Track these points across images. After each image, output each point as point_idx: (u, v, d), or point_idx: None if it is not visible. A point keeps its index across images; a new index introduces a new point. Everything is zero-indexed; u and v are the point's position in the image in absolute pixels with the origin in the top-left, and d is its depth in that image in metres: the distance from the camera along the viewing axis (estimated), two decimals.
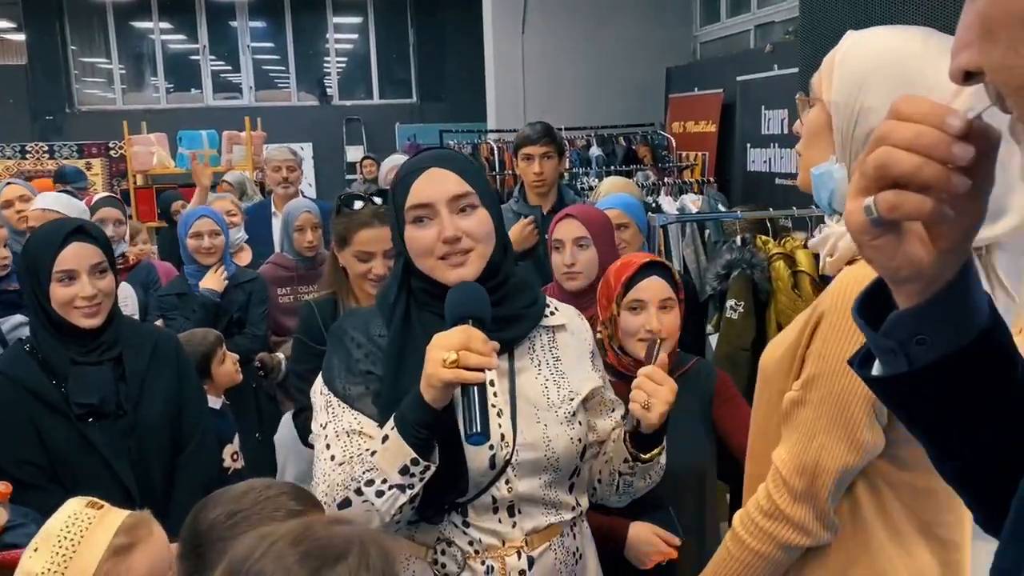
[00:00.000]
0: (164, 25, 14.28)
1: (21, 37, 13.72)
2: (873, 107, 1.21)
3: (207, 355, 2.79)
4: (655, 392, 1.53)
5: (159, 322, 3.54)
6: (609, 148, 6.65)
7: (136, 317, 3.39)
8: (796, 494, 1.27)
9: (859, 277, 1.21)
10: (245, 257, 4.25)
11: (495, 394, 1.52)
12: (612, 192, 3.34)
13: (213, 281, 3.52)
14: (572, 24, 8.29)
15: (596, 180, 5.99)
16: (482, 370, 1.33)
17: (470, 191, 1.50)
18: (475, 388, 1.33)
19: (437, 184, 1.49)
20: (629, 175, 5.91)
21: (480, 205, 1.51)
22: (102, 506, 1.38)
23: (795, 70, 4.84)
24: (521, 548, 1.50)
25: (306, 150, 13.10)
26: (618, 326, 1.96)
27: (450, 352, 1.32)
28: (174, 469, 2.08)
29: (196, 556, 1.28)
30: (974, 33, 0.54)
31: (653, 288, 1.93)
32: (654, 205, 4.34)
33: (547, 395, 1.55)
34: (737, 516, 1.38)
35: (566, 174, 6.37)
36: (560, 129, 7.49)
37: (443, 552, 1.49)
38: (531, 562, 1.50)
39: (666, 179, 5.90)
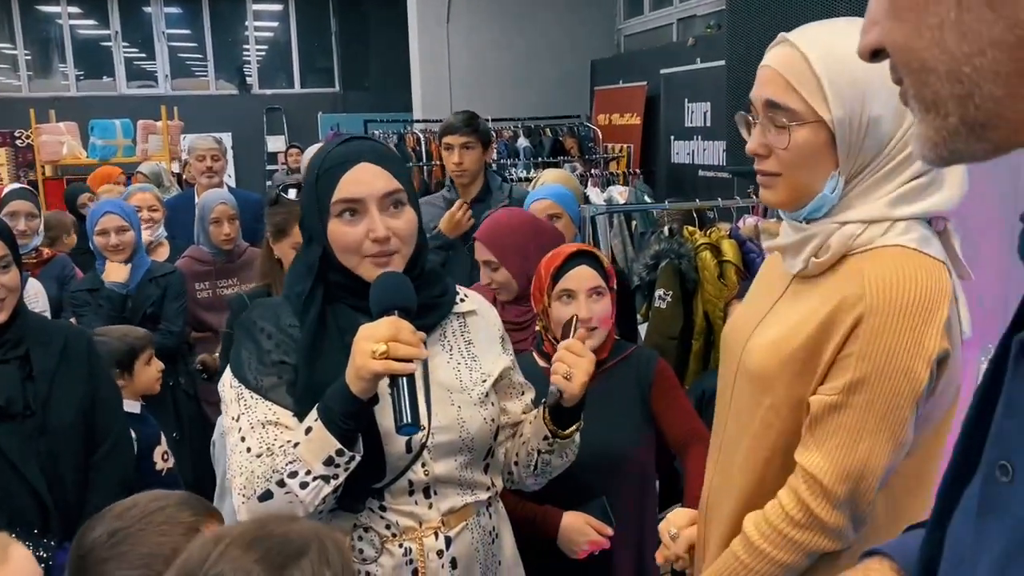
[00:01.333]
0: (73, 9, 13.72)
1: None
2: (881, 115, 1.20)
3: (133, 351, 2.67)
4: (576, 363, 1.55)
5: (72, 319, 3.40)
6: (536, 139, 6.65)
7: (47, 314, 3.23)
8: (838, 501, 1.23)
9: (900, 274, 1.18)
10: (163, 253, 4.11)
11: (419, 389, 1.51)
12: (549, 183, 3.34)
13: (116, 272, 3.38)
14: (497, 14, 8.27)
15: (524, 171, 5.99)
16: (411, 360, 1.33)
17: (400, 189, 1.50)
18: (404, 379, 1.33)
19: (369, 180, 1.47)
20: (557, 166, 5.92)
21: (407, 204, 1.51)
22: None
23: (719, 63, 4.91)
24: (438, 529, 1.51)
25: (225, 140, 12.76)
26: (551, 317, 1.94)
27: (380, 344, 1.31)
28: (88, 470, 1.99)
29: None
30: (882, 12, 0.54)
31: (582, 277, 1.92)
32: (584, 197, 4.36)
33: (460, 378, 1.56)
34: (753, 526, 1.30)
35: (494, 164, 6.35)
36: (487, 120, 7.51)
37: (360, 538, 1.49)
38: (448, 542, 1.52)
39: (593, 171, 5.93)
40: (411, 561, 1.49)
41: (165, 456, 2.60)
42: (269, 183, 11.47)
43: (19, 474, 1.84)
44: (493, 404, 1.59)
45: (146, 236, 3.96)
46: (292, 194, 2.47)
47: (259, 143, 13.50)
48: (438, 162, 6.58)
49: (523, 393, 1.71)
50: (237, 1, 14.07)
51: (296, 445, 1.38)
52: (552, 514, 1.95)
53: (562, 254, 1.96)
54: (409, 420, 1.32)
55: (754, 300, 1.47)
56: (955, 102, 0.52)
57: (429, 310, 1.56)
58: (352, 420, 1.36)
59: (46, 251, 3.81)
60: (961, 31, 0.50)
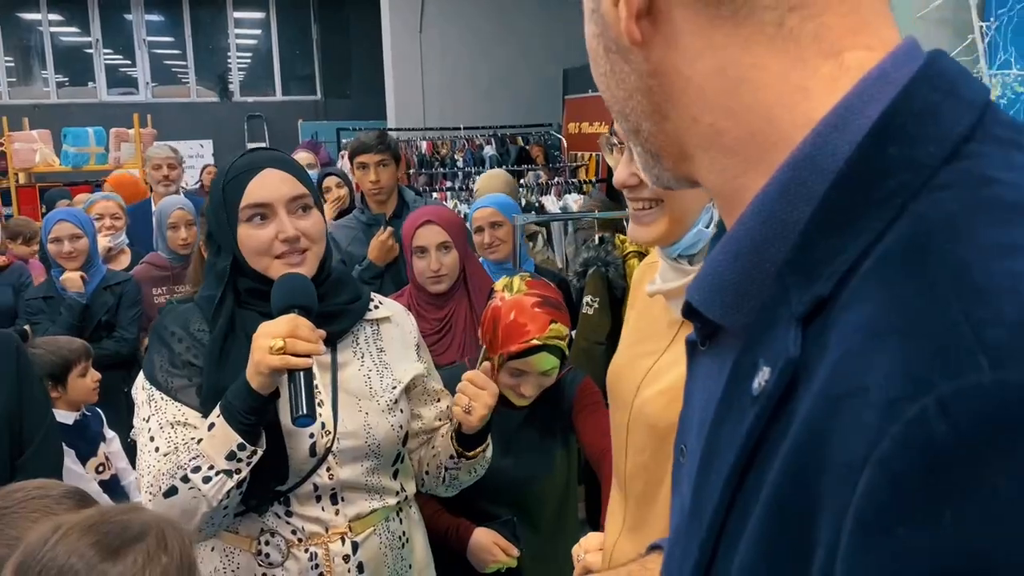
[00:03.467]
0: (54, 16, 13.74)
1: None
2: None
3: (66, 363, 2.69)
4: (476, 396, 1.60)
5: (26, 327, 3.43)
6: (504, 148, 6.71)
7: None
8: None
9: None
10: (124, 260, 4.14)
11: (316, 386, 1.55)
12: (488, 183, 3.38)
13: (71, 281, 3.42)
14: (471, 23, 8.33)
15: None
16: (309, 356, 1.39)
17: (306, 192, 1.55)
18: (301, 373, 1.38)
19: (275, 185, 1.52)
20: (520, 175, 5.98)
21: (314, 207, 1.57)
22: None
23: None
24: (345, 534, 1.54)
25: (206, 147, 12.79)
26: (497, 379, 1.93)
27: (277, 340, 1.37)
28: (13, 472, 2.02)
29: None
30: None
31: (538, 362, 1.86)
32: (538, 204, 4.41)
33: (369, 385, 1.59)
34: None
35: (460, 172, 6.40)
36: (459, 128, 7.58)
37: (267, 543, 1.52)
38: (355, 547, 1.54)
39: (556, 179, 6.00)
40: (317, 566, 1.52)
41: (100, 468, 2.64)
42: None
43: None
44: (402, 411, 1.62)
45: (108, 243, 4.01)
46: None
47: (240, 151, 13.35)
48: (412, 169, 6.64)
49: (438, 400, 1.74)
50: (219, 9, 14.12)
51: (200, 441, 1.42)
52: (464, 529, 1.99)
53: (526, 344, 1.81)
54: (304, 411, 1.36)
55: (639, 342, 1.39)
56: (633, 136, 0.59)
57: (338, 316, 1.60)
58: (253, 415, 1.40)
59: (1, 258, 3.84)
60: (616, 79, 0.57)
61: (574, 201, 4.59)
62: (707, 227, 1.20)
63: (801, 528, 0.42)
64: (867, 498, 0.38)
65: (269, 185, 1.52)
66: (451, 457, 1.66)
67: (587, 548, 1.61)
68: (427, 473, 1.73)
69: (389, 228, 2.97)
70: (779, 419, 0.46)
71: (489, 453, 1.71)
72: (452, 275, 2.32)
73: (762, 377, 0.47)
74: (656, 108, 0.56)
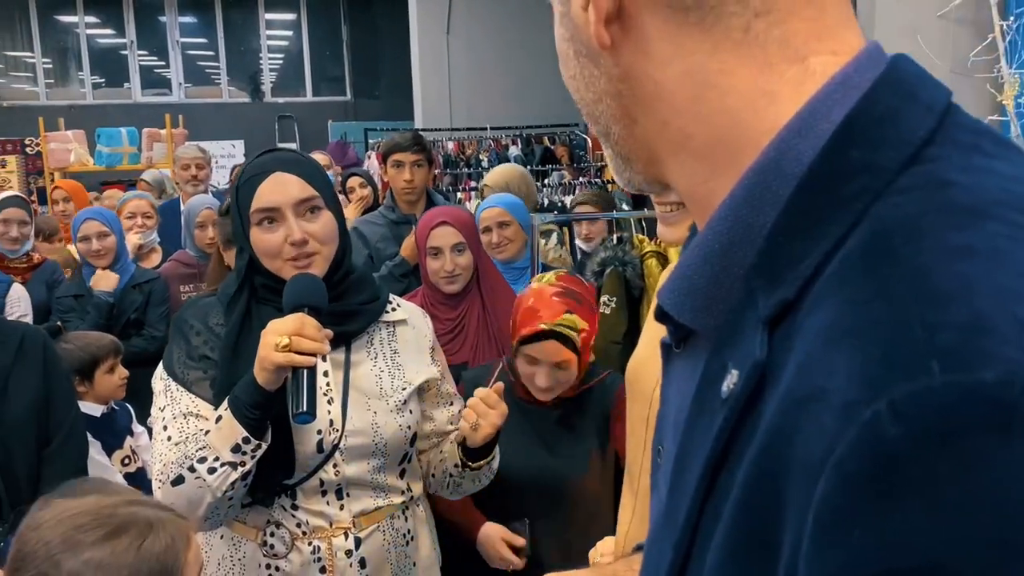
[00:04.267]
0: (90, 19, 13.98)
1: None
2: None
3: (94, 359, 2.74)
4: (485, 414, 1.62)
5: (59, 323, 3.50)
6: (529, 148, 6.73)
7: (29, 318, 3.34)
8: None
9: None
10: (156, 258, 4.21)
11: (328, 384, 1.58)
12: (498, 178, 3.37)
13: (103, 280, 3.49)
14: (497, 24, 8.35)
15: None
16: (313, 355, 1.41)
17: (315, 195, 1.56)
18: (304, 371, 1.40)
19: (283, 188, 1.54)
20: (544, 175, 5.99)
21: (324, 208, 1.58)
22: None
23: None
24: (348, 529, 1.56)
25: (237, 147, 12.95)
26: (515, 368, 1.96)
27: (283, 337, 1.39)
28: (40, 463, 2.09)
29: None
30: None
31: (548, 351, 1.89)
32: (560, 204, 4.42)
33: (380, 385, 1.61)
34: None
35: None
36: (485, 128, 7.61)
37: (272, 534, 1.56)
38: (358, 542, 1.57)
39: (580, 178, 6.00)
40: (319, 559, 1.55)
41: (126, 460, 2.69)
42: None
43: None
44: (411, 412, 1.64)
45: (139, 241, 4.09)
46: None
47: (267, 149, 13.64)
48: (439, 169, 6.68)
49: (451, 403, 1.76)
50: (250, 10, 14.27)
51: (207, 433, 1.46)
52: (475, 521, 2.00)
53: (534, 329, 1.89)
54: (304, 408, 1.39)
55: (658, 334, 1.42)
56: (603, 138, 0.60)
57: (354, 316, 1.62)
58: (258, 410, 1.43)
59: (36, 256, 3.93)
60: (586, 82, 0.58)
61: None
62: None
63: (767, 529, 0.42)
64: (824, 500, 0.38)
65: (277, 189, 1.54)
66: (456, 465, 1.69)
67: (603, 552, 1.62)
68: (433, 476, 1.75)
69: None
70: (747, 421, 0.46)
71: (495, 464, 1.74)
72: (466, 276, 2.34)
73: (731, 380, 0.48)
74: (625, 112, 0.56)
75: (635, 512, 1.44)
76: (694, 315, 0.54)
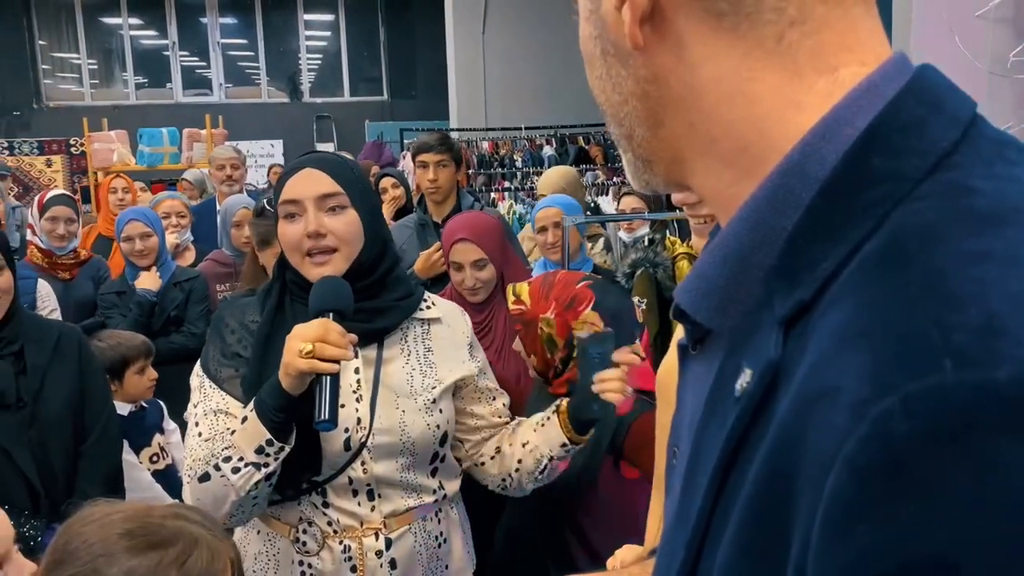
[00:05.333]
0: (134, 20, 14.24)
1: None
2: None
3: (124, 360, 2.77)
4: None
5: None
6: (563, 148, 6.72)
7: (57, 314, 3.41)
8: None
9: None
10: (189, 257, 4.28)
11: (359, 381, 1.59)
12: (550, 180, 3.38)
13: (148, 280, 3.57)
14: (533, 23, 8.35)
15: None
16: (337, 361, 1.41)
17: (340, 192, 1.57)
18: (327, 378, 1.40)
19: (308, 182, 1.56)
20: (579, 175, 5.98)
21: (350, 207, 1.58)
22: None
23: None
24: (379, 530, 1.57)
25: (276, 147, 13.11)
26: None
27: (306, 343, 1.40)
28: (77, 459, 2.14)
29: None
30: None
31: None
32: (593, 205, 4.41)
33: (411, 383, 1.61)
34: None
35: (518, 172, 6.43)
36: (520, 128, 7.62)
37: (304, 531, 1.57)
38: (389, 543, 1.57)
39: (615, 179, 5.99)
40: (350, 558, 1.55)
41: (155, 458, 2.74)
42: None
43: (11, 460, 2.00)
44: (441, 411, 1.63)
45: (173, 239, 4.16)
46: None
47: (309, 151, 13.76)
48: (471, 170, 6.71)
49: (494, 398, 1.75)
50: (290, 12, 14.42)
51: (233, 433, 1.47)
52: None
53: (587, 298, 1.86)
54: (325, 417, 1.39)
55: None
56: (624, 141, 0.60)
57: (387, 312, 1.63)
58: (282, 413, 1.44)
59: (83, 252, 4.01)
60: (612, 83, 0.58)
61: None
62: None
63: (778, 527, 0.43)
64: (833, 496, 0.39)
65: (302, 183, 1.56)
66: (562, 445, 1.68)
67: (622, 560, 1.62)
68: (517, 470, 1.72)
69: (438, 245, 2.96)
70: (760, 420, 0.46)
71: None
72: (488, 287, 2.36)
73: (744, 379, 0.48)
74: (651, 114, 0.56)
75: (663, 520, 1.45)
76: (711, 315, 0.55)
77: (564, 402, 1.71)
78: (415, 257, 3.06)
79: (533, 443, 1.70)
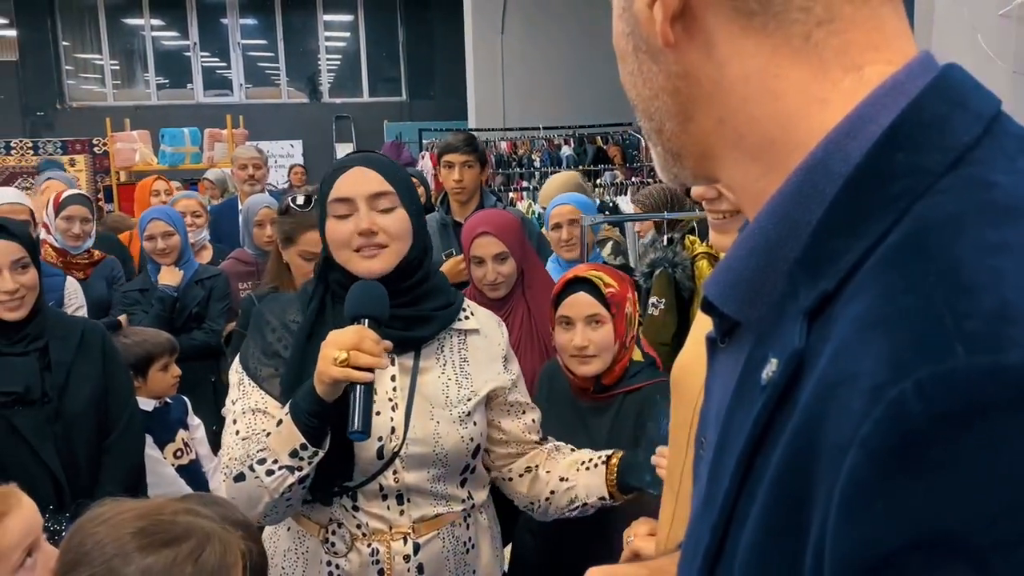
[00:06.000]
0: (155, 21, 14.36)
1: (13, 33, 13.81)
2: None
3: (149, 356, 2.79)
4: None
5: (123, 317, 3.63)
6: (581, 148, 6.73)
7: (84, 311, 3.45)
8: None
9: None
10: (206, 256, 4.32)
11: (395, 389, 1.59)
12: (551, 190, 3.38)
13: (169, 276, 3.61)
14: (551, 24, 8.36)
15: None
16: (371, 370, 1.40)
17: (390, 191, 1.58)
18: (360, 387, 1.39)
19: (359, 181, 1.57)
20: (597, 174, 5.99)
21: (399, 205, 1.58)
22: None
23: None
24: (408, 534, 1.56)
25: (296, 147, 13.19)
26: (555, 341, 1.96)
27: (341, 352, 1.39)
28: (100, 453, 2.17)
29: None
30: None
31: (578, 304, 1.90)
32: (612, 204, 4.41)
33: (446, 394, 1.60)
34: None
35: (537, 172, 6.44)
36: (538, 128, 7.63)
37: (333, 532, 1.57)
38: (417, 548, 1.57)
39: (633, 178, 5.98)
40: (377, 562, 1.55)
41: (179, 453, 2.76)
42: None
43: (36, 455, 2.04)
44: (475, 424, 1.62)
45: (190, 239, 4.20)
46: (301, 201, 2.62)
47: (328, 151, 13.86)
48: (491, 169, 6.72)
49: (524, 412, 1.73)
50: (309, 12, 14.50)
51: (268, 435, 1.47)
52: None
53: (562, 280, 1.96)
54: (358, 428, 1.37)
55: (704, 338, 1.44)
56: (655, 135, 0.61)
57: (426, 321, 1.62)
58: (316, 419, 1.43)
59: (96, 253, 4.05)
60: (643, 78, 0.59)
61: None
62: None
63: (799, 508, 0.44)
64: (849, 475, 0.40)
65: (353, 181, 1.57)
66: (601, 498, 1.68)
67: (636, 533, 1.63)
68: (548, 500, 1.71)
69: (460, 256, 2.93)
70: (784, 407, 0.48)
71: None
72: (509, 283, 2.36)
73: (770, 368, 0.50)
74: (681, 109, 0.57)
75: (675, 515, 1.44)
76: (738, 306, 0.56)
77: (616, 457, 1.70)
78: (437, 257, 3.07)
79: (572, 482, 1.69)
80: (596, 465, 1.69)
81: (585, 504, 1.69)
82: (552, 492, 1.70)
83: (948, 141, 0.48)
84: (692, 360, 1.41)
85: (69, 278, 3.48)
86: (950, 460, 0.38)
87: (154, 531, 1.04)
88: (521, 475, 1.73)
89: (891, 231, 0.46)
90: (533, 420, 1.74)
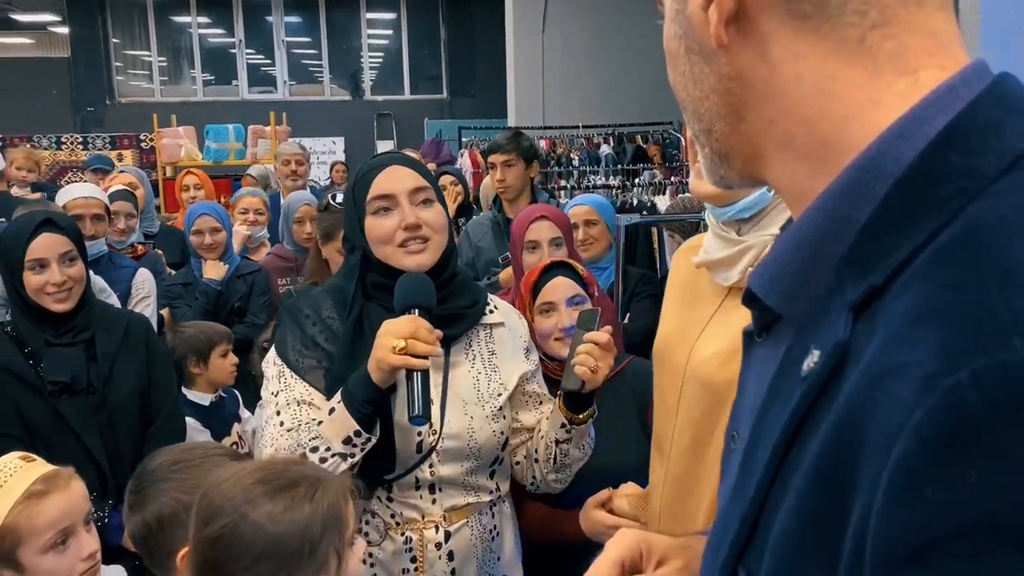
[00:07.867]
0: (202, 19, 14.59)
1: (65, 30, 14.12)
2: None
3: (210, 342, 2.88)
4: (601, 357, 1.62)
5: (164, 311, 3.71)
6: (620, 146, 6.70)
7: (152, 299, 3.52)
8: None
9: None
10: (264, 252, 4.37)
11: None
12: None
13: (213, 270, 3.68)
14: (593, 22, 8.34)
15: (604, 179, 6.05)
16: (427, 357, 1.46)
17: (428, 186, 1.64)
18: (419, 374, 1.46)
19: (398, 178, 1.63)
20: (635, 173, 5.96)
21: (436, 201, 1.65)
22: (33, 460, 1.52)
23: None
24: (439, 523, 1.62)
25: (338, 144, 13.30)
26: (535, 331, 1.95)
27: (399, 340, 1.45)
28: (143, 442, 2.23)
29: (139, 492, 1.45)
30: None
31: (559, 287, 1.92)
32: (649, 204, 4.40)
33: (478, 389, 1.66)
34: None
35: (575, 171, 6.43)
36: (577, 127, 7.62)
37: (367, 522, 1.62)
38: (448, 536, 1.62)
39: (672, 178, 5.95)
40: (410, 549, 1.61)
41: (234, 446, 2.82)
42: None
43: (81, 443, 2.10)
44: (505, 417, 1.69)
45: (246, 232, 4.27)
46: (341, 199, 2.67)
47: (370, 148, 13.95)
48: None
49: (540, 403, 1.78)
50: (352, 10, 14.62)
51: (320, 423, 1.52)
52: (566, 518, 1.88)
53: (538, 268, 1.98)
54: (419, 412, 1.44)
55: (683, 312, 1.46)
56: (704, 135, 0.63)
57: (457, 320, 1.67)
58: (371, 406, 1.49)
59: (140, 247, 4.14)
60: (694, 79, 0.60)
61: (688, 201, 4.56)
62: (770, 191, 1.24)
63: (840, 496, 0.45)
64: (899, 461, 0.41)
65: (393, 178, 1.62)
66: (562, 426, 1.68)
67: (625, 493, 1.67)
68: (536, 461, 1.75)
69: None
70: (824, 398, 0.49)
71: (592, 431, 1.73)
72: None
73: (811, 359, 0.51)
74: (732, 110, 0.59)
75: (668, 473, 1.46)
76: (782, 299, 0.57)
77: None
78: (493, 255, 3.14)
79: (544, 430, 1.74)
80: (551, 409, 1.73)
81: (557, 442, 1.70)
82: (536, 451, 1.75)
83: (1003, 146, 0.49)
84: (673, 332, 1.47)
85: (142, 268, 3.54)
86: (1002, 449, 0.39)
87: (272, 479, 1.18)
88: (525, 458, 1.79)
89: (942, 231, 0.47)
90: (550, 410, 1.77)
